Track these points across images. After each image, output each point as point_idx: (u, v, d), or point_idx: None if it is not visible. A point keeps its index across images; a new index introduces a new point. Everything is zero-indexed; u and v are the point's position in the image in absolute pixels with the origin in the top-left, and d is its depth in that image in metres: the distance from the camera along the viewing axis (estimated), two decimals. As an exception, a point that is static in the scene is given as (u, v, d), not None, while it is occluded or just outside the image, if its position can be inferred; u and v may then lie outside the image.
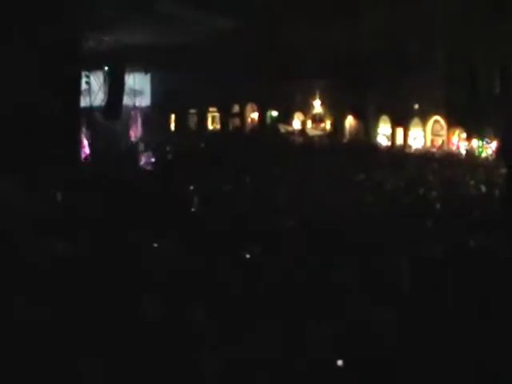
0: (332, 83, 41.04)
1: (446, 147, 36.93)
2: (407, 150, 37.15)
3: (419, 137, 38.64)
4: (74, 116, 25.50)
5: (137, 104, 32.67)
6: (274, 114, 46.36)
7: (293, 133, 42.94)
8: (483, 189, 22.61)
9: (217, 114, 48.72)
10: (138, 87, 33.21)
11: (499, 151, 27.31)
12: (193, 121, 48.34)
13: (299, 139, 41.60)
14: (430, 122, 38.10)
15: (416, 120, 38.68)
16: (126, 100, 30.93)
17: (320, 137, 42.41)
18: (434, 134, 38.19)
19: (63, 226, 14.21)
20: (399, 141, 39.68)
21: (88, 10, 24.38)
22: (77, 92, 26.60)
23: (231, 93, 38.93)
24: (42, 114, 21.31)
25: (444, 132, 37.44)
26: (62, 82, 22.78)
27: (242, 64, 36.94)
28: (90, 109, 31.13)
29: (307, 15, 40.56)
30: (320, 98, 42.22)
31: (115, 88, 28.68)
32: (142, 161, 32.17)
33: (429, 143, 38.15)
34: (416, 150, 37.19)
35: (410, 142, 38.91)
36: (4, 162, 19.32)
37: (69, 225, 14.17)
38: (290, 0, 42.96)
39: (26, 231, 13.38)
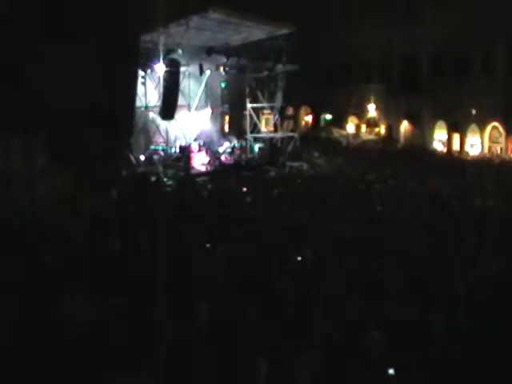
0: (387, 87, 40.54)
1: (504, 155, 35.93)
2: (465, 157, 36.24)
3: (476, 144, 37.77)
4: (130, 115, 26.02)
5: (191, 105, 32.86)
6: (328, 117, 46.03)
7: (347, 137, 42.53)
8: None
9: (270, 117, 48.56)
10: (193, 88, 33.40)
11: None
12: (246, 123, 48.24)
13: (354, 144, 41.18)
14: (488, 129, 37.20)
15: (473, 126, 37.82)
16: (181, 100, 31.15)
17: (375, 141, 41.92)
18: (492, 141, 37.27)
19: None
20: (455, 147, 38.86)
21: (146, 11, 24.75)
22: (133, 91, 27.10)
23: (285, 95, 38.74)
24: (98, 113, 21.75)
25: (502, 139, 36.49)
26: (118, 82, 23.16)
27: (297, 66, 36.76)
28: (146, 108, 31.58)
29: (365, 19, 40.28)
30: (375, 103, 41.73)
31: (170, 88, 28.95)
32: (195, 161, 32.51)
33: (486, 150, 37.22)
34: (473, 157, 36.28)
35: (466, 148, 38.07)
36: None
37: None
38: (347, 4, 42.81)
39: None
